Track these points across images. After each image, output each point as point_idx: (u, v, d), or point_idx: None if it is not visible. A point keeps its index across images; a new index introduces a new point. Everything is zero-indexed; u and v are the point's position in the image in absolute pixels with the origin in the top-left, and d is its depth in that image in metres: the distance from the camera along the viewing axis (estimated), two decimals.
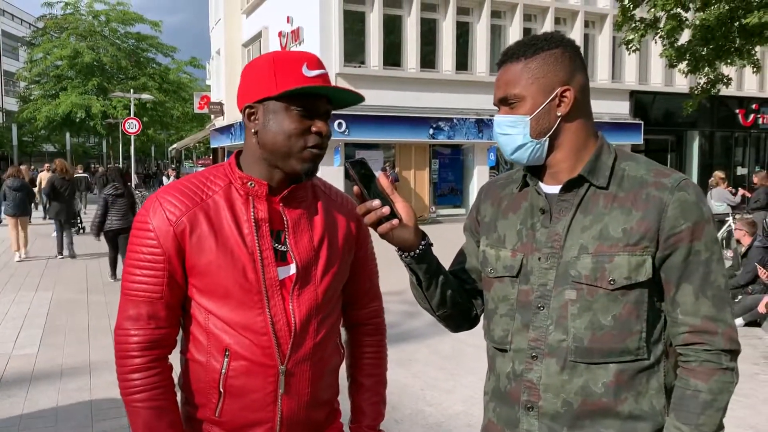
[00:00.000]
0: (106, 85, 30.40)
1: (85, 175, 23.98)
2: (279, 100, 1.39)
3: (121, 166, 27.21)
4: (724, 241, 12.04)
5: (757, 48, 12.01)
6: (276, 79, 1.38)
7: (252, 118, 1.43)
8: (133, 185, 18.29)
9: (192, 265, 1.41)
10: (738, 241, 8.09)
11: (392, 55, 18.61)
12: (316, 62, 1.42)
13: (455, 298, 1.53)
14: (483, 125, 19.14)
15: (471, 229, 1.60)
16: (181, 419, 1.47)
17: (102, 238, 9.12)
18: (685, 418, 1.29)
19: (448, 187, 20.34)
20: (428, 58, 19.04)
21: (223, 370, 1.41)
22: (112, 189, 9.00)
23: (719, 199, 12.45)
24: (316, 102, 1.41)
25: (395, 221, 1.36)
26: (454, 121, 18.93)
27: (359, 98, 1.47)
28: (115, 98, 27.71)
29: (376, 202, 1.35)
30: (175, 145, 39.09)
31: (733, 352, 1.32)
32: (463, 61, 19.52)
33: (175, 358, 1.48)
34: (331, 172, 16.50)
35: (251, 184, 1.44)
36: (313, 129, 1.40)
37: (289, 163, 1.42)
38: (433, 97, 18.74)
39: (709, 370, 1.30)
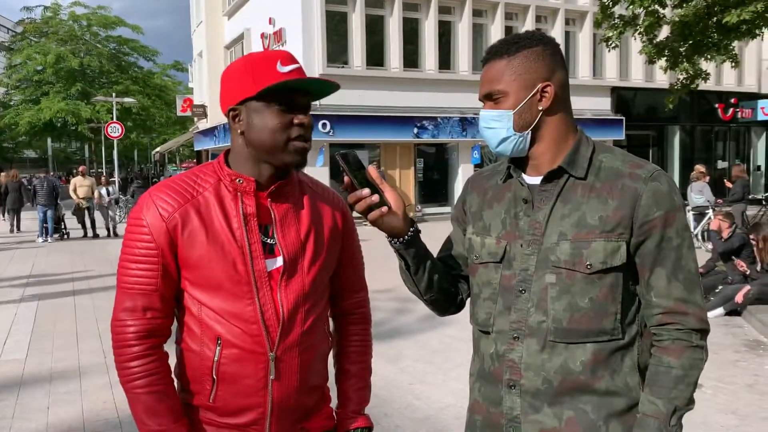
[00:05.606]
0: (89, 90, 30.18)
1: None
2: (259, 99, 1.46)
3: (103, 170, 27.93)
4: (706, 233, 12.23)
5: (735, 43, 12.19)
6: (253, 79, 1.45)
7: (236, 119, 1.50)
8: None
9: (184, 258, 1.47)
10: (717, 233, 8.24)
11: (375, 55, 18.67)
12: (289, 58, 1.48)
13: (442, 282, 1.60)
14: (467, 123, 19.26)
15: (458, 219, 1.68)
16: (180, 404, 1.53)
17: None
18: (659, 393, 1.38)
19: (433, 186, 20.46)
20: (411, 58, 19.12)
21: (216, 358, 1.48)
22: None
23: (700, 192, 12.65)
24: (294, 96, 1.47)
25: (384, 209, 1.43)
26: (438, 120, 19.03)
27: (334, 86, 1.53)
28: (98, 103, 27.52)
29: (366, 191, 1.42)
30: (158, 149, 38.84)
31: (703, 331, 1.41)
32: (445, 60, 19.62)
33: (170, 349, 1.54)
34: (315, 172, 16.52)
35: (239, 180, 1.51)
36: (295, 121, 1.47)
37: (278, 157, 1.49)
38: (416, 97, 18.82)
39: (681, 348, 1.39)
